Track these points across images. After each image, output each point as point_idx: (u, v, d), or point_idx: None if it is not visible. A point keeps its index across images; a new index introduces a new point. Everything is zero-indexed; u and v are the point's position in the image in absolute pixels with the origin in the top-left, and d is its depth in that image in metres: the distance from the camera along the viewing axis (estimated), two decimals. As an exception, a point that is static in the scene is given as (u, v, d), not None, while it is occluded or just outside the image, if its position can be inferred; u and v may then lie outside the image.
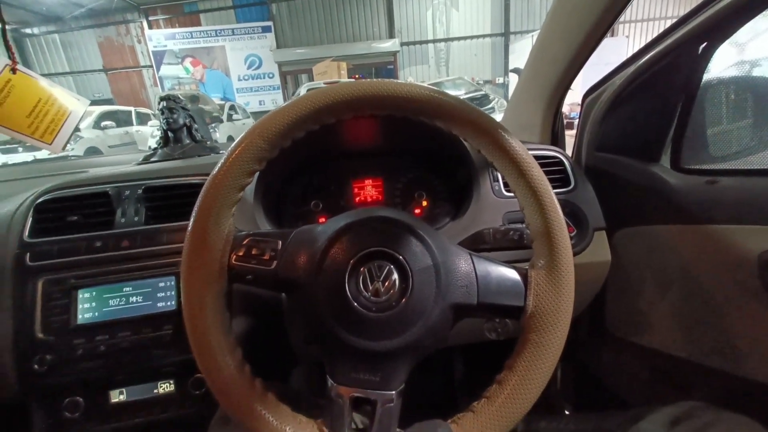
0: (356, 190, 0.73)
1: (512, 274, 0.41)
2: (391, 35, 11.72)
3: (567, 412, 0.90)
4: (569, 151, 0.80)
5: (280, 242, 0.41)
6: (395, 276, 0.38)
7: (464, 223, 0.64)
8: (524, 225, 0.47)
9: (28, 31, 11.70)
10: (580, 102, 0.82)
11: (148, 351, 0.58)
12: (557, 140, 0.84)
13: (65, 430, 0.59)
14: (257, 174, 0.47)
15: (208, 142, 0.88)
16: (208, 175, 0.37)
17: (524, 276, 0.40)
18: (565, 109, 0.86)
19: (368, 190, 0.73)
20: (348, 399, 0.37)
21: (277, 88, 12.22)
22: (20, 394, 0.57)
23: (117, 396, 0.60)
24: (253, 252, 0.41)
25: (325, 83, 8.14)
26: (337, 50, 11.19)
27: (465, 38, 11.73)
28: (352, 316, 0.37)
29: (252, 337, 0.44)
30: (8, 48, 0.52)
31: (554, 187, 0.67)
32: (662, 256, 0.68)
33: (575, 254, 0.64)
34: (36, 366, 0.55)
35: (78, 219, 0.62)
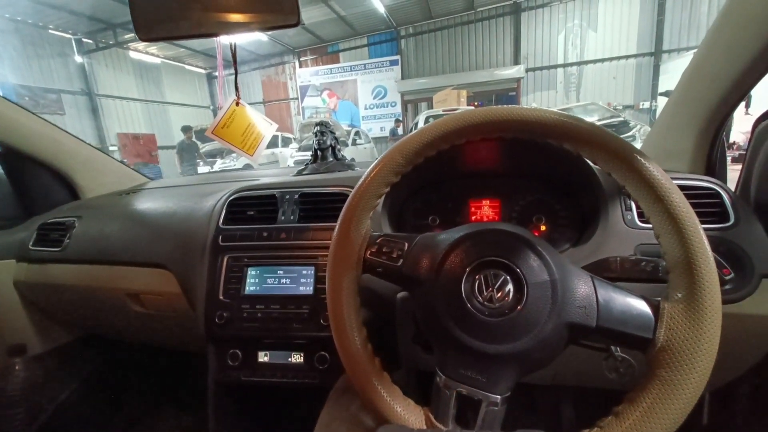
0: (473, 209, 0.76)
1: (640, 304, 0.39)
2: (516, 62, 11.45)
3: None
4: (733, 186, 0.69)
5: (407, 244, 0.48)
6: (510, 286, 0.40)
7: (586, 251, 0.61)
8: (660, 257, 0.43)
9: (215, 74, 15.50)
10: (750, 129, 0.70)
11: (290, 323, 0.71)
12: (714, 171, 0.73)
13: (227, 374, 0.76)
14: None
15: (346, 161, 1.03)
16: (347, 186, 0.46)
17: (655, 308, 0.38)
18: (740, 138, 0.73)
19: (485, 210, 0.76)
20: (454, 392, 0.40)
21: (397, 115, 13.12)
22: (204, 340, 0.76)
23: (263, 356, 0.75)
24: (384, 250, 0.48)
25: (443, 111, 8.44)
26: (458, 79, 11.43)
27: (603, 60, 10.70)
28: (466, 316, 0.40)
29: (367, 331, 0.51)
30: (237, 88, 0.75)
31: (706, 222, 0.59)
32: None
33: (733, 301, 0.55)
34: (217, 319, 0.73)
35: (254, 214, 0.81)
